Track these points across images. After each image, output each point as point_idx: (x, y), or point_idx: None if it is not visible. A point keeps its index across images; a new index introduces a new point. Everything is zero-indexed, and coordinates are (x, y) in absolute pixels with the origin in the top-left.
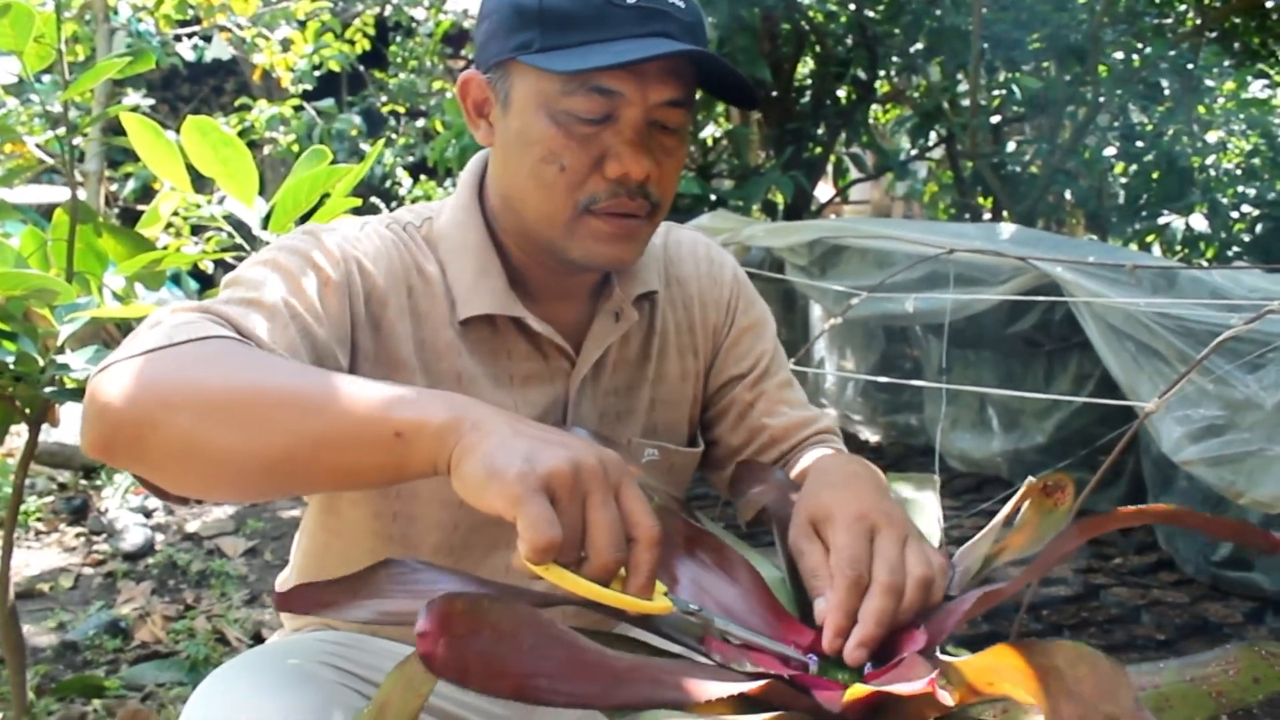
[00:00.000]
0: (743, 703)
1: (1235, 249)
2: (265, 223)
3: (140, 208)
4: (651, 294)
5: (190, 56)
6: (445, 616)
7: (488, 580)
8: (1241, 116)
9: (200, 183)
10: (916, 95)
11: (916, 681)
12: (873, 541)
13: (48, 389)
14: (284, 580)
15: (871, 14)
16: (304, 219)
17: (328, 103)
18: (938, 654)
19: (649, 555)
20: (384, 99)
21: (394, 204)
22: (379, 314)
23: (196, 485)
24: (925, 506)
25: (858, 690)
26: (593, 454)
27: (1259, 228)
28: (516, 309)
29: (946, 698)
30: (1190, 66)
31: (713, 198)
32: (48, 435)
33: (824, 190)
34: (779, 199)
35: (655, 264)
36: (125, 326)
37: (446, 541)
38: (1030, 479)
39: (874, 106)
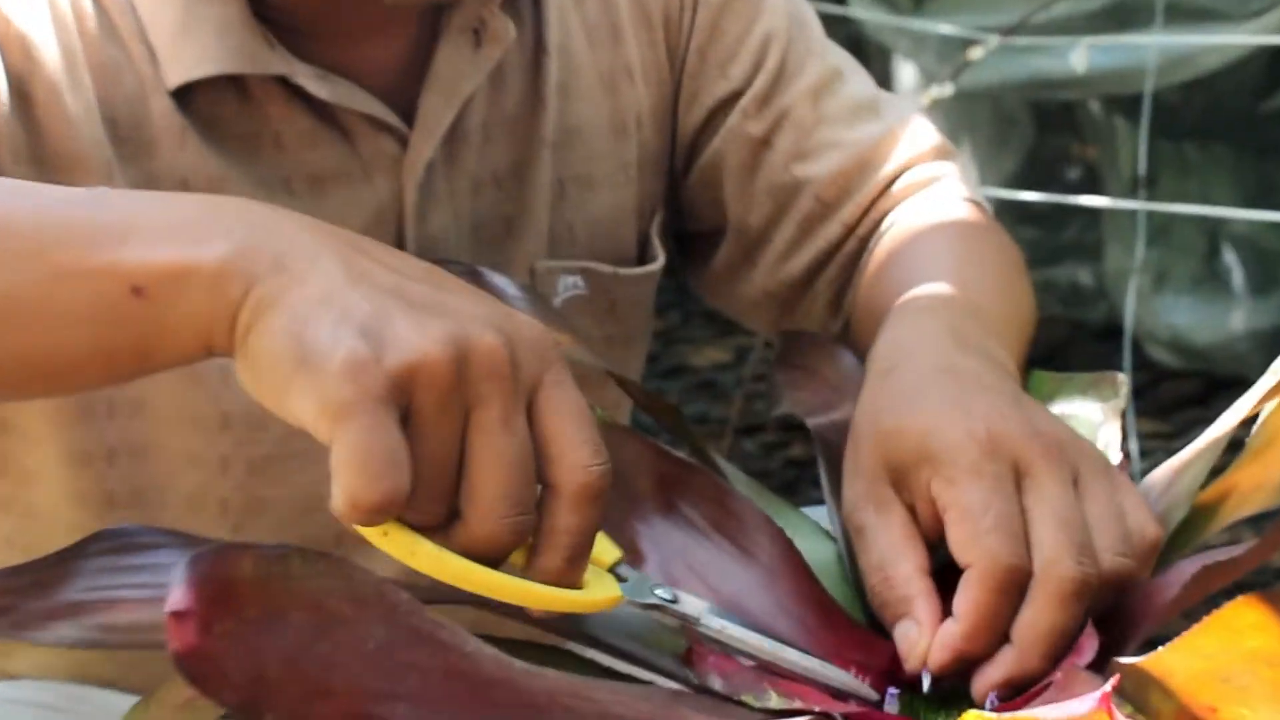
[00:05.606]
0: None
1: None
2: None
3: None
4: None
5: None
6: (222, 586)
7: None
8: None
9: None
10: None
11: (1078, 702)
12: (1023, 494)
13: None
14: None
15: None
16: None
17: None
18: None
19: (577, 516)
20: None
21: None
22: (26, 79)
23: None
24: (1104, 431)
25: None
26: (495, 325)
27: None
28: (273, 62)
29: None
30: None
31: None
32: None
33: None
34: None
35: None
36: None
37: (214, 493)
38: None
39: None
